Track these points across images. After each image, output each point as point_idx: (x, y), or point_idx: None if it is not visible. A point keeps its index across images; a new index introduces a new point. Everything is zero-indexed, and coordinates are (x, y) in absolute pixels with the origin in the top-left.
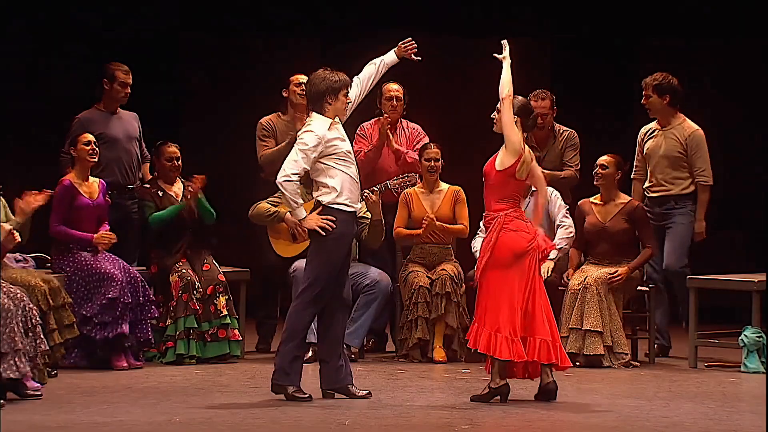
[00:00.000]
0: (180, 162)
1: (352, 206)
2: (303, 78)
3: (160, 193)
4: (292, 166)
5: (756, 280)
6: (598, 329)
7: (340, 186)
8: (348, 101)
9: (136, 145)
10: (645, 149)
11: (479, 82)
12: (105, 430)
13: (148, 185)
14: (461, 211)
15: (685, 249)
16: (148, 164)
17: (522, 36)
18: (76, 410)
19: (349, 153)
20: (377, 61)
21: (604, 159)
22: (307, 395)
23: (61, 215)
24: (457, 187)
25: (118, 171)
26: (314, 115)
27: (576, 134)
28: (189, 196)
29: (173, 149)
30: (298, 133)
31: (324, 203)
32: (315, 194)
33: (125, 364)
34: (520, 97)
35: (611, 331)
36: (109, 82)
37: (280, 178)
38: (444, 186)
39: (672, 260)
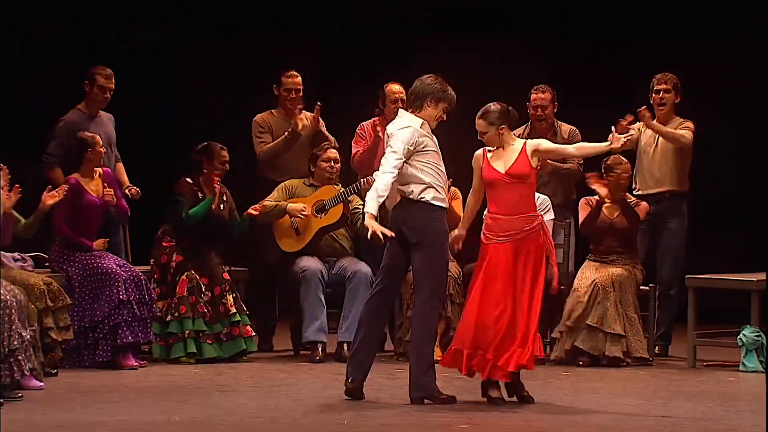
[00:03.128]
0: (227, 166)
1: (444, 204)
2: (293, 73)
3: (200, 194)
4: (391, 160)
5: (755, 280)
6: (620, 333)
7: (434, 183)
8: (443, 118)
9: (114, 149)
10: (641, 146)
11: (479, 81)
12: (105, 429)
13: (190, 180)
14: (456, 208)
15: (678, 263)
16: (122, 164)
17: (521, 34)
18: (76, 410)
19: (438, 153)
20: None
21: (616, 158)
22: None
23: (66, 213)
24: (454, 188)
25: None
26: (402, 112)
27: (577, 131)
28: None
29: (226, 153)
30: (389, 130)
31: (421, 199)
32: (405, 189)
33: (135, 364)
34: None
35: (631, 336)
36: (89, 84)
37: (380, 170)
38: None
39: (665, 273)
